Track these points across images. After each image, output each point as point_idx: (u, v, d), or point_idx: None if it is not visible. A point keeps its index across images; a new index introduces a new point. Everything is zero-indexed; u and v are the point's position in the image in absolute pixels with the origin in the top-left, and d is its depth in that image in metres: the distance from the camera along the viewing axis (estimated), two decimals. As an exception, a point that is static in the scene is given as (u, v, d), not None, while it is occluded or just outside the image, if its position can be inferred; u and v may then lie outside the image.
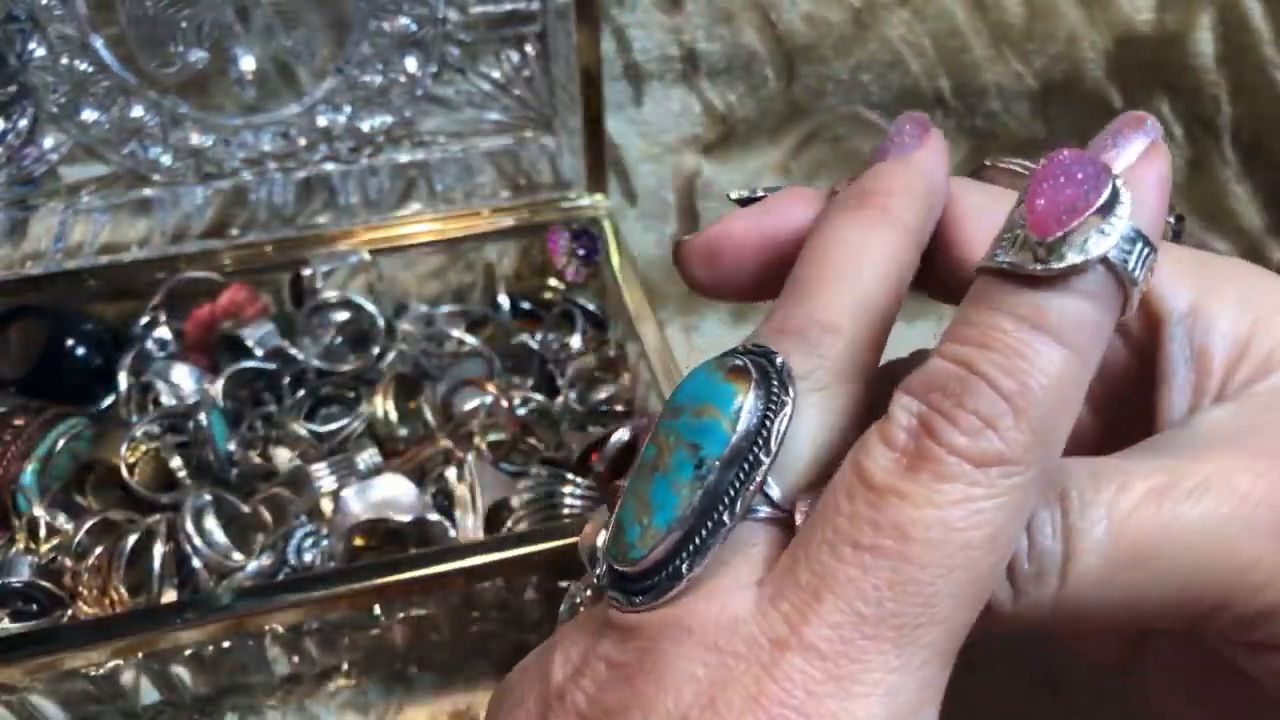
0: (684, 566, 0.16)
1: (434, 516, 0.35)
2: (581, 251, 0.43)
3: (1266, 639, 0.17)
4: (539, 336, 0.43)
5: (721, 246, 0.21)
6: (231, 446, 0.38)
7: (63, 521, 0.36)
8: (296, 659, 0.35)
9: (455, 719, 0.36)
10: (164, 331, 0.42)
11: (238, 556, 0.35)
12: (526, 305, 0.46)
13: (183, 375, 0.41)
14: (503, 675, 0.21)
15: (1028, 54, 0.45)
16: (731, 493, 0.16)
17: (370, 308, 0.43)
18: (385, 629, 0.34)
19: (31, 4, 0.38)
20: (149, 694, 0.34)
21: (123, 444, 0.37)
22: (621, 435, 0.36)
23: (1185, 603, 0.17)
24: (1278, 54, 0.44)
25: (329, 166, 0.45)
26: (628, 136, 0.47)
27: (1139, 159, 0.17)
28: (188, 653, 0.32)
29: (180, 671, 0.34)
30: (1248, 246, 0.49)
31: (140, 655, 0.31)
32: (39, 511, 0.36)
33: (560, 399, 0.41)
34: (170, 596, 0.34)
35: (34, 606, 0.34)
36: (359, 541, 0.35)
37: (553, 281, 0.46)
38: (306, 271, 0.43)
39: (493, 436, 0.39)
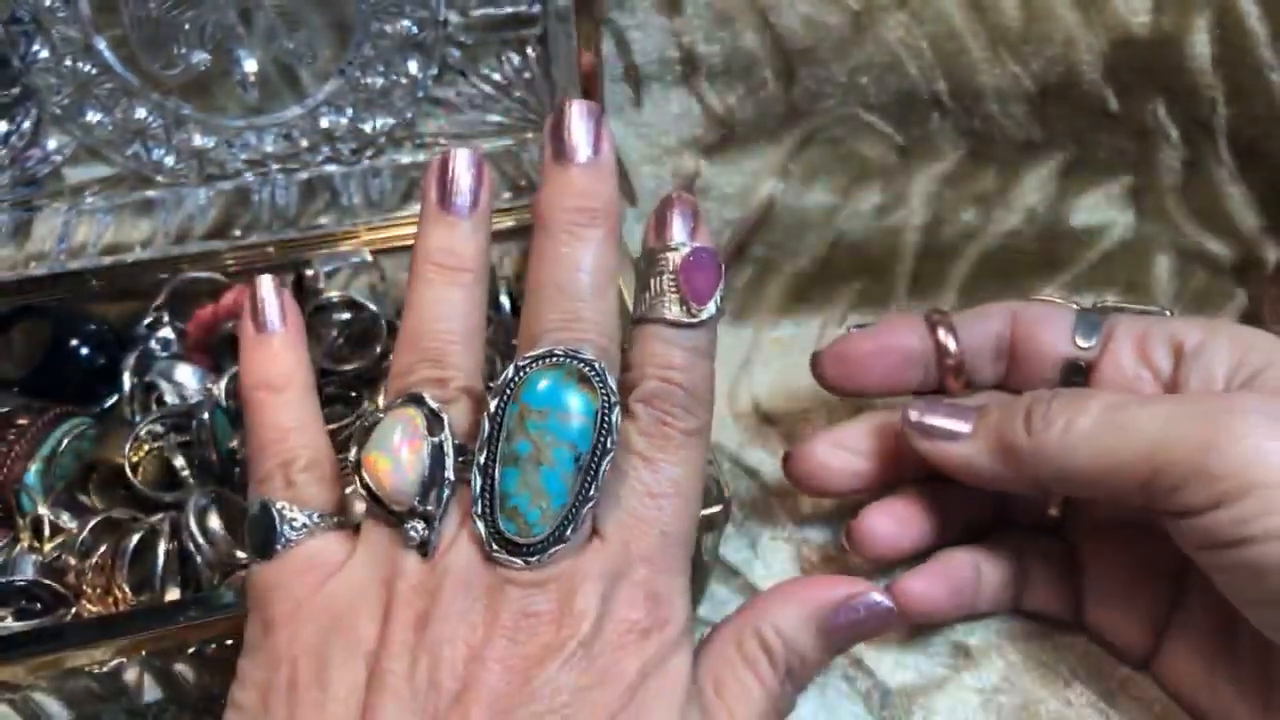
0: (568, 531, 0.23)
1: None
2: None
3: (1186, 506, 0.26)
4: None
5: (848, 357, 0.34)
6: (234, 445, 0.38)
7: (66, 520, 0.36)
8: (299, 657, 0.35)
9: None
10: (167, 332, 0.42)
11: (240, 555, 0.35)
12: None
13: (186, 375, 0.41)
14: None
15: (1025, 56, 0.45)
16: (592, 476, 0.23)
17: (373, 308, 0.43)
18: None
19: (35, 6, 0.38)
20: (152, 692, 0.34)
21: (126, 443, 0.37)
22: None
23: (1138, 464, 0.26)
24: (1274, 56, 0.45)
25: (331, 168, 0.45)
26: (627, 138, 0.47)
27: (694, 234, 0.26)
28: (190, 651, 0.32)
29: (183, 669, 0.34)
30: (1244, 247, 0.49)
31: (143, 653, 0.31)
32: (43, 511, 0.36)
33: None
34: (173, 595, 0.34)
35: (38, 605, 0.34)
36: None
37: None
38: (309, 272, 0.43)
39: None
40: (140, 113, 0.42)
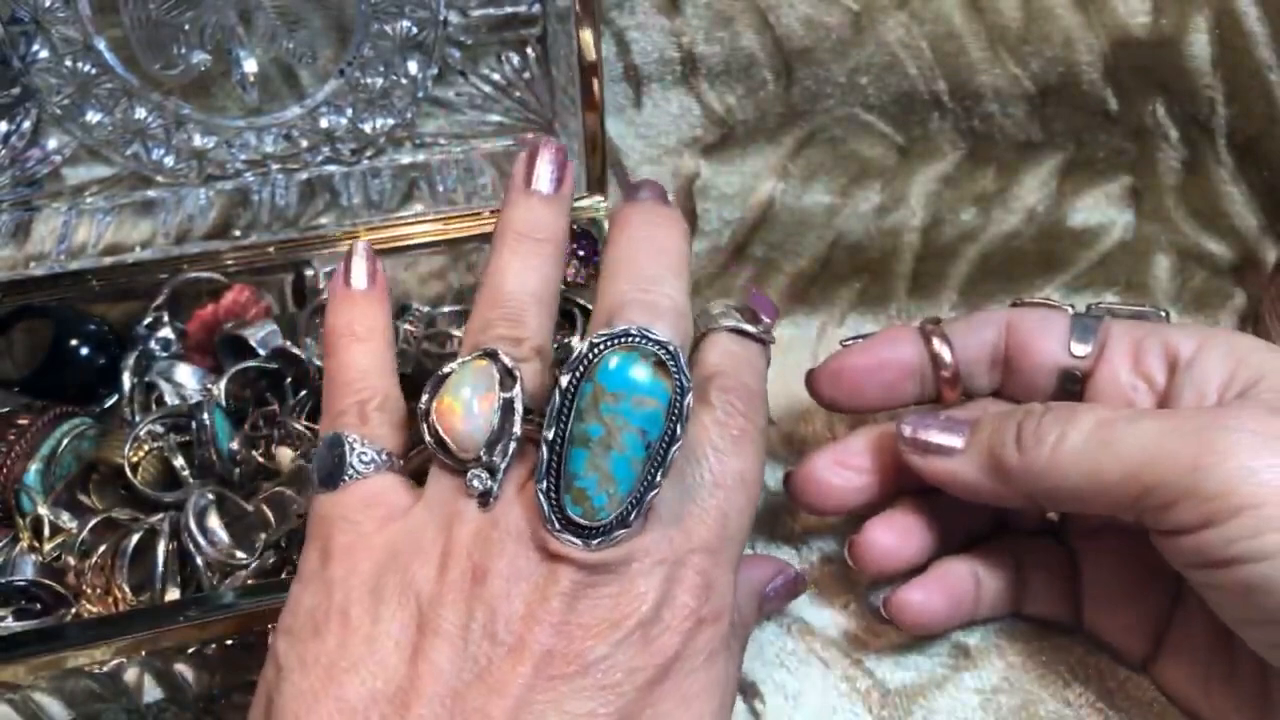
0: (632, 517, 0.23)
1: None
2: (581, 252, 0.43)
3: (1175, 525, 0.26)
4: (539, 337, 0.43)
5: (843, 374, 0.34)
6: (234, 446, 0.38)
7: (66, 520, 0.36)
8: (299, 657, 0.35)
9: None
10: (167, 332, 0.42)
11: (240, 555, 0.35)
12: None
13: (186, 375, 0.41)
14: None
15: (1024, 56, 0.45)
16: (658, 464, 0.23)
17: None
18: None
19: (35, 6, 0.38)
20: (152, 692, 0.34)
21: (126, 443, 0.37)
22: None
23: (1128, 483, 0.26)
24: (1273, 56, 0.45)
25: (331, 168, 0.45)
26: (627, 139, 0.47)
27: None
28: (191, 651, 0.32)
29: (183, 670, 0.34)
30: (1243, 247, 0.49)
31: (143, 653, 0.32)
32: (43, 510, 0.36)
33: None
34: (173, 595, 0.34)
35: (38, 605, 0.34)
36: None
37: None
38: (309, 272, 0.43)
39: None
40: (140, 113, 0.42)
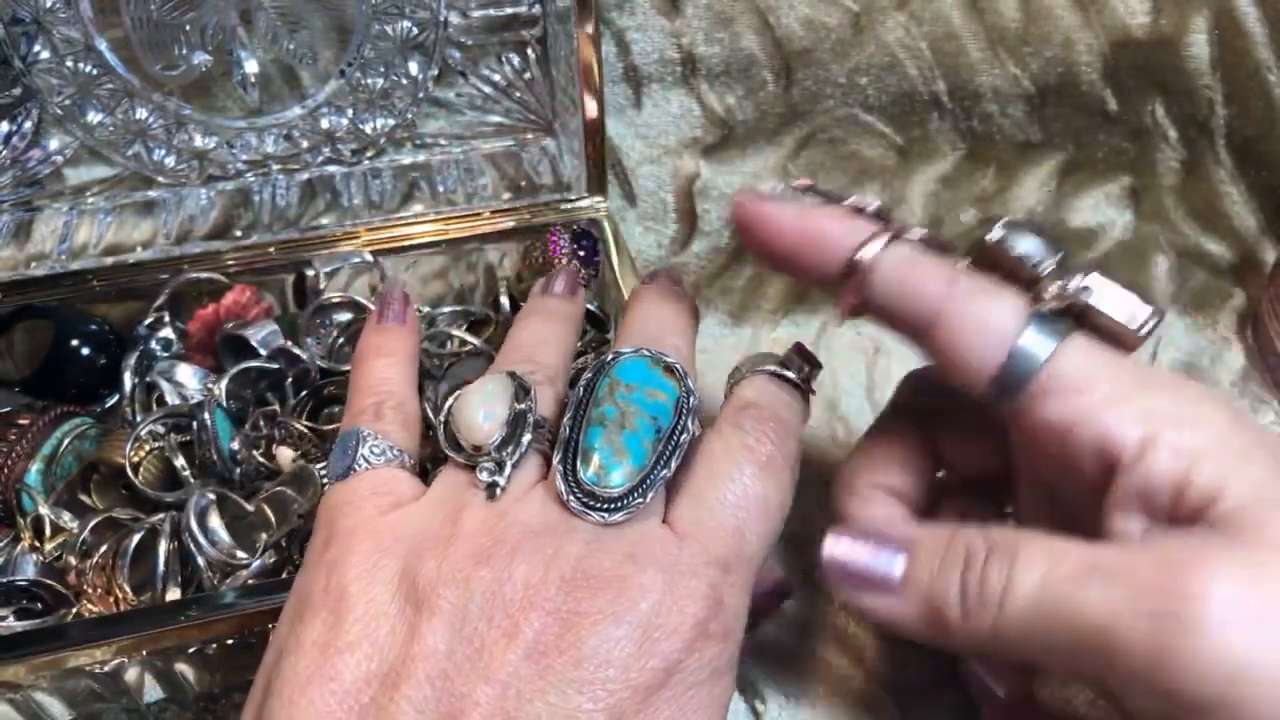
0: (645, 493, 0.25)
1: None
2: (582, 252, 0.43)
3: (1136, 706, 0.22)
4: (540, 337, 0.44)
5: (762, 223, 0.28)
6: (235, 446, 0.38)
7: (67, 520, 0.36)
8: (299, 656, 0.35)
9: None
10: (168, 332, 0.42)
11: (241, 555, 0.35)
12: (527, 306, 0.46)
13: (187, 375, 0.41)
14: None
15: (1024, 57, 0.45)
16: (671, 449, 0.25)
17: (373, 308, 0.43)
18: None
19: (36, 7, 0.38)
20: (152, 692, 0.34)
21: (127, 443, 0.37)
22: None
23: (1078, 652, 0.23)
24: (1272, 57, 0.45)
25: (332, 168, 0.45)
26: (627, 139, 0.47)
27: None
28: (191, 651, 0.33)
29: (184, 669, 0.34)
30: (1243, 247, 0.50)
31: (144, 653, 0.31)
32: (44, 510, 0.36)
33: (561, 399, 0.41)
34: (174, 595, 0.34)
35: (39, 605, 0.34)
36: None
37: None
38: (309, 272, 0.43)
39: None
40: (141, 113, 0.42)
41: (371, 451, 0.27)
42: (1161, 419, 0.23)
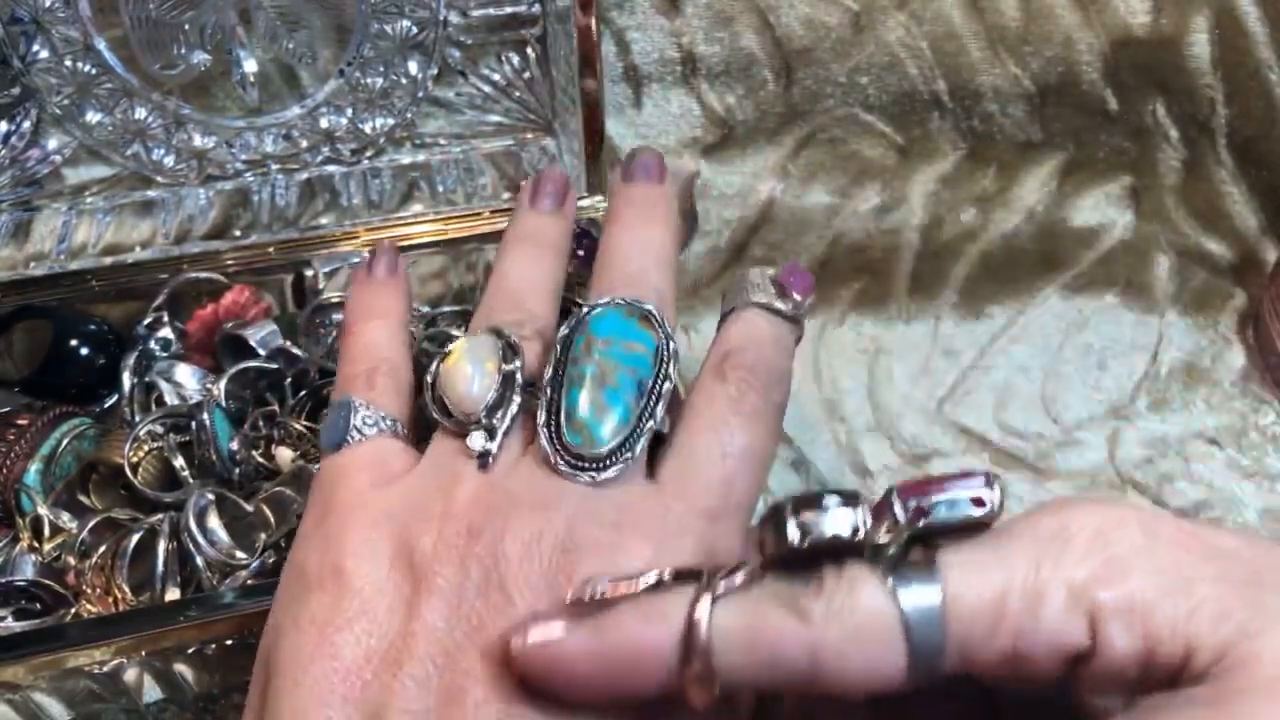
0: (632, 448, 0.24)
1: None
2: (581, 252, 0.43)
3: None
4: (539, 337, 0.43)
5: (556, 670, 0.21)
6: (234, 446, 0.38)
7: (66, 520, 0.36)
8: (299, 657, 0.35)
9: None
10: (167, 332, 0.42)
11: (240, 555, 0.35)
12: (527, 306, 0.46)
13: (186, 375, 0.41)
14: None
15: (1024, 56, 0.45)
16: (654, 399, 0.25)
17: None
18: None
19: (35, 6, 0.38)
20: (152, 692, 0.34)
21: (126, 443, 0.37)
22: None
23: None
24: (1273, 56, 0.45)
25: (331, 168, 0.45)
26: (627, 139, 0.47)
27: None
28: (190, 651, 0.32)
29: (183, 670, 0.34)
30: (1243, 247, 0.49)
31: (143, 653, 0.31)
32: (43, 511, 0.36)
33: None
34: (173, 595, 0.34)
35: (38, 605, 0.34)
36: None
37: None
38: (309, 272, 0.43)
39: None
40: (140, 113, 0.42)
41: (364, 422, 0.27)
42: (1087, 586, 0.18)
